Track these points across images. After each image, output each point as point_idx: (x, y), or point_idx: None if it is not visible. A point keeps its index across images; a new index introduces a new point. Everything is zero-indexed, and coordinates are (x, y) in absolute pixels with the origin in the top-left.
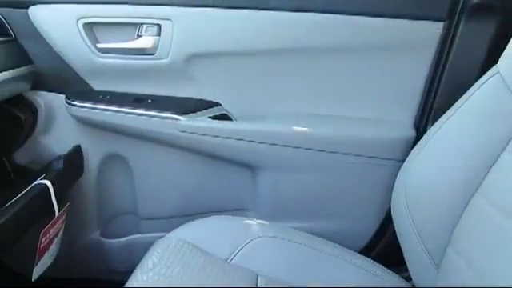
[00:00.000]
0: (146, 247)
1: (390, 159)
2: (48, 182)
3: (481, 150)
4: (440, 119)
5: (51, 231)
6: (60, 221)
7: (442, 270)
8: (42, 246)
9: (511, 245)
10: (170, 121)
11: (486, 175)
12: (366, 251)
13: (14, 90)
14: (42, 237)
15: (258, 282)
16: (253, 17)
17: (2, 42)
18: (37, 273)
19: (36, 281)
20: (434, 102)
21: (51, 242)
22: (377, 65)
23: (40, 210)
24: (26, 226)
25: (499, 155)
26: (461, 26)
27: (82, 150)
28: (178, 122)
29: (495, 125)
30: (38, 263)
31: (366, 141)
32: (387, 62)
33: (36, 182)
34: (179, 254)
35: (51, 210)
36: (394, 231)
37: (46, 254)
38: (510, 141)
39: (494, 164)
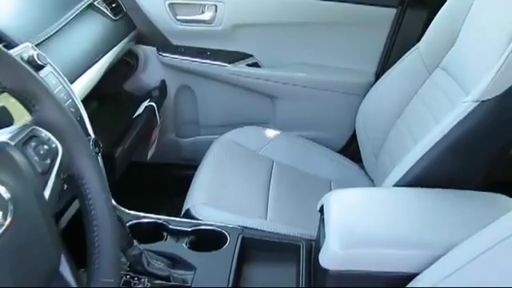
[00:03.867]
0: (203, 144)
1: (357, 95)
2: (153, 104)
3: (403, 94)
4: (385, 73)
5: (156, 132)
6: (159, 127)
7: (378, 161)
8: (152, 139)
9: (413, 148)
10: (220, 66)
11: (404, 109)
12: (342, 151)
13: (128, 47)
14: (153, 134)
15: (274, 164)
16: (275, 1)
17: (122, 17)
18: (149, 155)
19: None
20: (387, 61)
21: (156, 138)
22: (353, 35)
23: (151, 120)
24: (146, 131)
25: (412, 97)
26: (407, 12)
27: (166, 83)
28: (226, 67)
29: (412, 80)
30: (150, 150)
31: (344, 82)
32: (360, 33)
33: (147, 104)
34: (229, 148)
35: (156, 121)
36: None
37: (153, 145)
38: (418, 89)
39: (409, 103)
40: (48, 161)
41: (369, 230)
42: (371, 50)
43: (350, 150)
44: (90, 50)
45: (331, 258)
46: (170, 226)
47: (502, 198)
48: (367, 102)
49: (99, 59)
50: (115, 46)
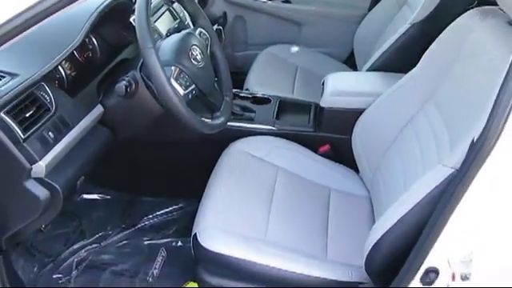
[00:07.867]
0: (250, 56)
1: (355, 22)
2: (221, 27)
3: (382, 22)
4: (373, 8)
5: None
6: (223, 43)
7: (365, 65)
8: None
9: None
10: (264, 2)
11: (384, 31)
12: (345, 62)
13: None
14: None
15: (298, 70)
16: None
17: None
18: None
19: None
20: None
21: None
22: None
23: (219, 39)
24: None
25: (388, 25)
26: None
27: (226, 14)
28: (267, 3)
29: (388, 15)
30: None
31: (347, 14)
32: None
33: (216, 27)
34: (269, 58)
35: (222, 39)
36: None
37: None
38: (393, 18)
39: (386, 29)
40: (207, 42)
41: (346, 88)
42: None
43: (350, 60)
44: None
45: (326, 100)
46: (240, 94)
47: None
48: (361, 28)
49: None
50: None
